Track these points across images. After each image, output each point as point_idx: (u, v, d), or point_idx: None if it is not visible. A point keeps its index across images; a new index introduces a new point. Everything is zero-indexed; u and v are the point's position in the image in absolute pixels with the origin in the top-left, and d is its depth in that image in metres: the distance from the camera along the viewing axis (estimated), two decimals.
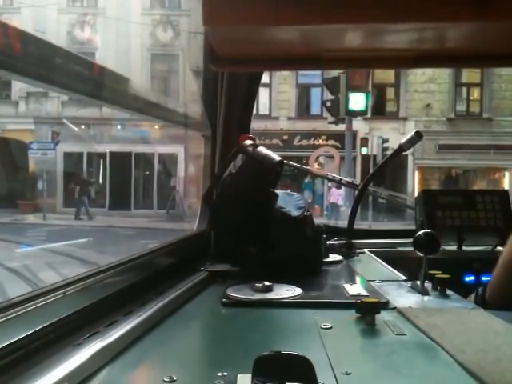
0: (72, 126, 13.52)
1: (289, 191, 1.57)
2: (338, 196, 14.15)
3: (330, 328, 0.87)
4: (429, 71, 16.38)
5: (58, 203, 14.49)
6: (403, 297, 1.09)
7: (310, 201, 12.61)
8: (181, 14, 15.48)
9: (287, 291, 1.09)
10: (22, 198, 12.83)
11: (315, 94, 17.23)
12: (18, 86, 13.71)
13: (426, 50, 0.72)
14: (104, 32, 14.40)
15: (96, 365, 0.67)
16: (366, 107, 10.09)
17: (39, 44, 1.10)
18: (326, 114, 12.58)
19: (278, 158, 1.40)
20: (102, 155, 14.86)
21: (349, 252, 1.66)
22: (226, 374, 0.64)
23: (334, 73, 10.14)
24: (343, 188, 11.95)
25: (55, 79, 1.10)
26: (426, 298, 1.09)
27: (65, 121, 13.29)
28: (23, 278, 4.80)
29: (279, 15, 0.56)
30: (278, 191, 1.45)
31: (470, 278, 1.72)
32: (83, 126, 14.55)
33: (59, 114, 14.20)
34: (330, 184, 14.16)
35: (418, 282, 1.14)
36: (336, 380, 0.64)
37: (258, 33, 0.63)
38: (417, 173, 16.81)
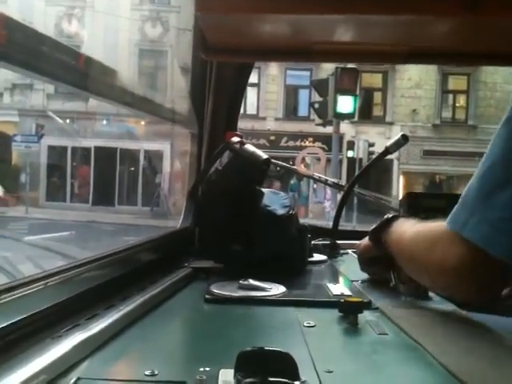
0: (57, 119, 13.39)
1: (274, 190, 1.57)
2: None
3: (313, 326, 0.87)
4: (415, 77, 16.53)
5: (41, 197, 14.35)
6: (386, 297, 1.10)
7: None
8: (170, 10, 15.42)
9: (271, 289, 1.09)
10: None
11: (303, 95, 17.28)
12: (4, 77, 13.52)
13: (418, 46, 0.73)
14: (92, 26, 14.28)
15: (76, 357, 0.66)
16: (354, 110, 10.09)
17: (26, 32, 1.08)
18: (313, 115, 12.61)
19: (264, 156, 1.40)
20: (87, 150, 14.74)
21: (333, 252, 1.65)
22: (208, 368, 0.64)
23: (323, 74, 10.16)
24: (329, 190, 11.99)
25: (42, 68, 1.08)
26: (408, 298, 1.09)
27: (50, 113, 13.16)
28: None
29: (271, 3, 0.56)
30: (263, 189, 1.45)
31: None
32: (68, 120, 14.42)
33: (44, 107, 14.04)
34: (315, 186, 14.22)
35: (401, 283, 1.14)
36: (318, 377, 0.64)
37: (249, 21, 0.63)
38: (401, 177, 16.95)
